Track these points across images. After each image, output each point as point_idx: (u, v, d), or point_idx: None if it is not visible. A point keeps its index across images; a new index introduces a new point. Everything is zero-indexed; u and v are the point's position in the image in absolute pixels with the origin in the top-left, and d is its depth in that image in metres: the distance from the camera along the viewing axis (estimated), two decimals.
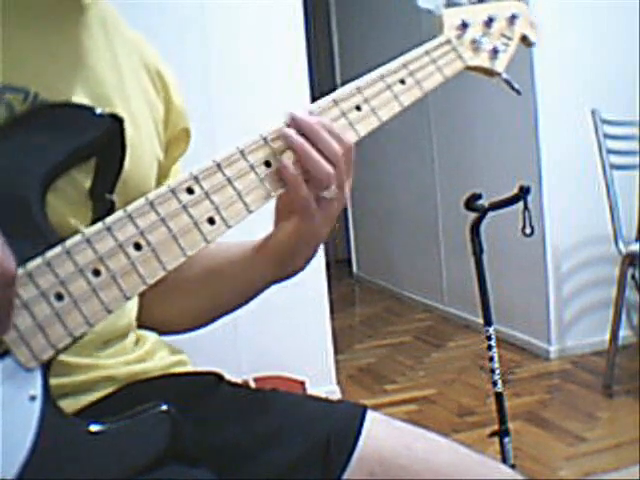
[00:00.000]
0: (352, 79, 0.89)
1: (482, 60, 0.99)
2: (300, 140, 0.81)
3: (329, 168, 0.81)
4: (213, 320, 0.98)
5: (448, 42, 0.96)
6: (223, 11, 2.74)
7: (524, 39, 1.04)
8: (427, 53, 0.94)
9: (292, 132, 0.82)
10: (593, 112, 2.97)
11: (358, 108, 0.87)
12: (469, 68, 0.98)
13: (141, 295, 0.82)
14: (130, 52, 0.93)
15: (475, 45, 0.97)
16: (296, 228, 0.86)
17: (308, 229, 0.85)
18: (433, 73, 0.93)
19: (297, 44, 2.85)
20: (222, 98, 2.73)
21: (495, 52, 0.99)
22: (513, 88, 1.01)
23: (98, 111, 0.78)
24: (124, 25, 0.95)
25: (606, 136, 2.97)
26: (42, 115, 0.77)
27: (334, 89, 0.88)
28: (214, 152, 1.06)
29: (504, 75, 1.01)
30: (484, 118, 3.61)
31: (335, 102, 0.86)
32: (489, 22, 0.99)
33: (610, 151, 2.96)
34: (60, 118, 0.77)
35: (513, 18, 1.02)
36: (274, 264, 0.90)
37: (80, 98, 0.82)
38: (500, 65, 1.00)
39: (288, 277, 0.92)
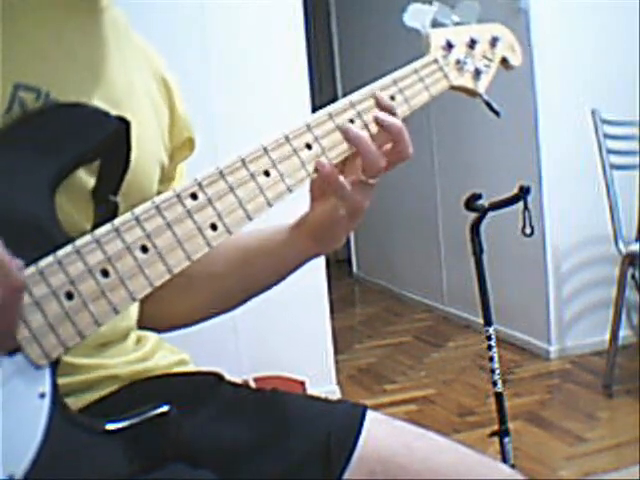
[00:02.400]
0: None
1: (466, 80, 1.02)
2: (360, 135, 0.87)
3: (383, 162, 0.87)
4: (245, 300, 0.99)
5: (435, 61, 0.99)
6: (223, 11, 2.74)
7: (504, 61, 1.08)
8: (416, 71, 0.96)
9: (351, 128, 0.87)
10: (593, 112, 2.98)
11: (351, 122, 0.89)
12: (452, 87, 1.01)
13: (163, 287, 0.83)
14: (139, 58, 0.94)
15: (459, 65, 1.01)
16: (334, 207, 0.89)
17: (347, 207, 0.88)
18: (421, 91, 0.96)
19: (297, 44, 2.85)
20: (222, 98, 2.73)
21: (478, 73, 1.03)
22: (493, 110, 1.04)
23: (106, 113, 0.78)
24: (133, 32, 0.96)
25: (606, 136, 2.97)
26: (50, 115, 0.78)
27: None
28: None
29: (485, 96, 1.04)
30: (484, 118, 3.60)
31: (330, 115, 0.88)
32: (472, 44, 1.03)
33: (610, 151, 2.96)
34: (68, 119, 0.77)
35: (494, 40, 1.05)
36: (313, 240, 0.93)
37: (91, 99, 0.83)
38: (482, 86, 1.04)
39: (326, 252, 0.95)
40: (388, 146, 0.89)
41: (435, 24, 1.02)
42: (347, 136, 0.87)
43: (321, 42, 5.36)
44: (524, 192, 1.86)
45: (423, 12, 1.01)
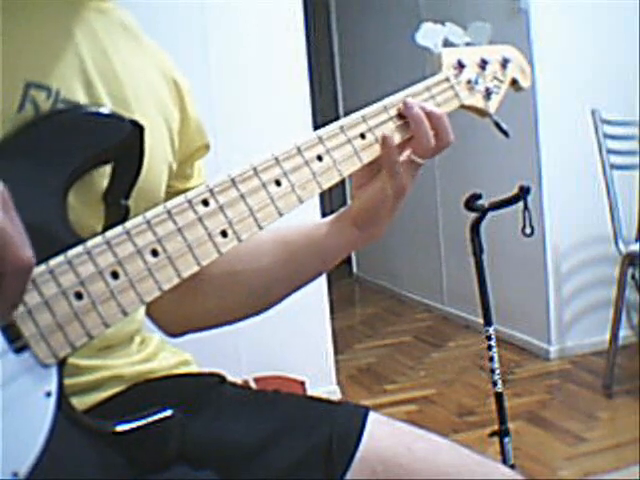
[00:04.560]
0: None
1: (477, 100, 1.03)
2: (421, 113, 0.91)
3: (433, 142, 0.91)
4: (288, 294, 1.00)
5: (447, 80, 1.00)
6: (223, 12, 2.74)
7: (514, 83, 1.09)
8: (427, 89, 0.97)
9: (415, 104, 0.92)
10: (593, 112, 2.98)
11: (362, 136, 0.91)
12: (463, 106, 1.02)
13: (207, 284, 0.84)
14: (148, 59, 0.94)
15: (470, 85, 1.02)
16: (381, 187, 0.92)
17: (394, 186, 0.91)
18: None
19: (297, 45, 2.85)
20: (222, 99, 2.73)
21: (488, 93, 1.04)
22: (502, 130, 1.05)
23: (120, 117, 0.79)
24: (142, 33, 0.96)
25: (606, 136, 2.97)
26: (64, 117, 0.78)
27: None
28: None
29: (494, 117, 1.05)
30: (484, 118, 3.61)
31: (342, 129, 0.89)
32: (483, 64, 1.04)
33: (610, 151, 2.96)
34: (82, 121, 0.78)
35: (505, 62, 1.07)
36: (356, 227, 0.95)
37: (100, 98, 0.83)
38: (492, 106, 1.05)
39: (369, 240, 0.97)
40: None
41: (446, 44, 1.03)
42: (408, 112, 0.91)
43: (321, 43, 5.35)
44: (524, 192, 1.86)
45: (435, 31, 1.02)
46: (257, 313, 1.00)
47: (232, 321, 1.01)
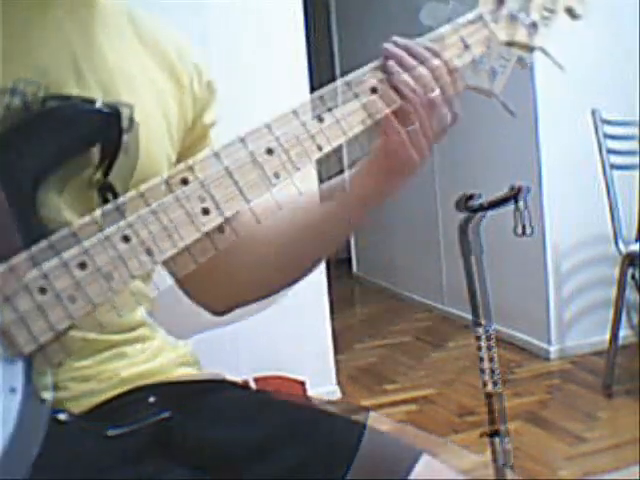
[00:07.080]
0: None
1: (481, 80, 1.02)
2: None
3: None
4: (315, 257, 0.99)
5: (480, 18, 0.97)
6: (223, 12, 2.74)
7: (569, 11, 1.04)
8: (456, 31, 0.95)
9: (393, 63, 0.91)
10: (593, 112, 2.98)
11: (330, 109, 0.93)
12: (468, 87, 1.01)
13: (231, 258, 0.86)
14: (148, 52, 0.95)
15: (474, 65, 1.00)
16: (382, 143, 0.94)
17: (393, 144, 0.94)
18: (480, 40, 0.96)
19: (297, 44, 2.85)
20: (222, 98, 2.73)
21: (494, 73, 1.02)
22: (508, 110, 1.03)
23: (91, 103, 0.79)
24: (146, 27, 0.95)
25: (606, 136, 2.97)
26: (41, 111, 0.78)
27: None
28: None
29: (500, 97, 1.03)
30: (484, 118, 3.60)
31: (321, 100, 0.93)
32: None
33: (610, 151, 2.96)
34: (55, 113, 0.78)
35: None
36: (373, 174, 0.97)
37: (90, 90, 0.83)
38: (497, 86, 1.03)
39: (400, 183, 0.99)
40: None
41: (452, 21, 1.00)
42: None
43: (321, 43, 5.35)
44: (516, 192, 1.86)
45: (439, 10, 1.00)
46: (294, 276, 0.99)
47: (273, 290, 1.00)
